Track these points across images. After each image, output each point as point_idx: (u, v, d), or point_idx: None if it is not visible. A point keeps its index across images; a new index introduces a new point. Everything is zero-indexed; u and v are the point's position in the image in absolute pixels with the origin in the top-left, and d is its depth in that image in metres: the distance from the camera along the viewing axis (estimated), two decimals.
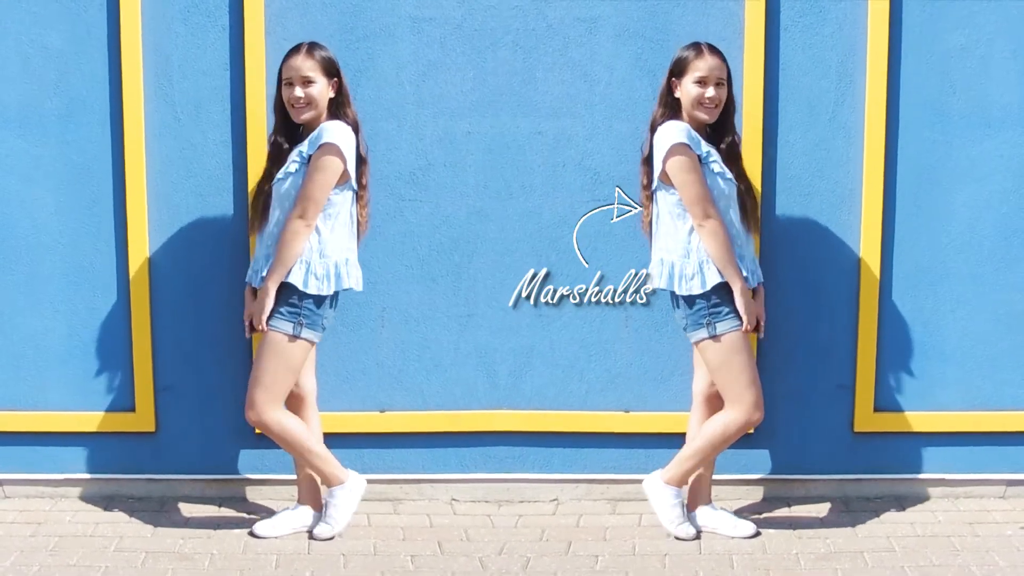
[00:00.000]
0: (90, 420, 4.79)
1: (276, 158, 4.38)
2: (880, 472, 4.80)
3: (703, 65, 4.27)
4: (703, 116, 4.32)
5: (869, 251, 4.68)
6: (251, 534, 4.48)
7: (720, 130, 4.36)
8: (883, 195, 4.65)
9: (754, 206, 4.40)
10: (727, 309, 4.26)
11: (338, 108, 4.38)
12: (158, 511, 4.71)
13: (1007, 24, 4.57)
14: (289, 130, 4.39)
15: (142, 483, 4.83)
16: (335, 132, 4.31)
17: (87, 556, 4.34)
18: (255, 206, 4.41)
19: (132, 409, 4.80)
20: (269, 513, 4.64)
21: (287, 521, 4.53)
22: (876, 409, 4.76)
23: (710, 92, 4.28)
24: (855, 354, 4.73)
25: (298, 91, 4.32)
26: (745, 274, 4.29)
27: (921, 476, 4.80)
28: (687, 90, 4.31)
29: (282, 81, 4.35)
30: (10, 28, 4.64)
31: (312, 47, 4.35)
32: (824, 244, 4.69)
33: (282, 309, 4.31)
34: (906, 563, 4.26)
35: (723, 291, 4.26)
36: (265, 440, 4.75)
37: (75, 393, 4.79)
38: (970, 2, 4.57)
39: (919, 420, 4.76)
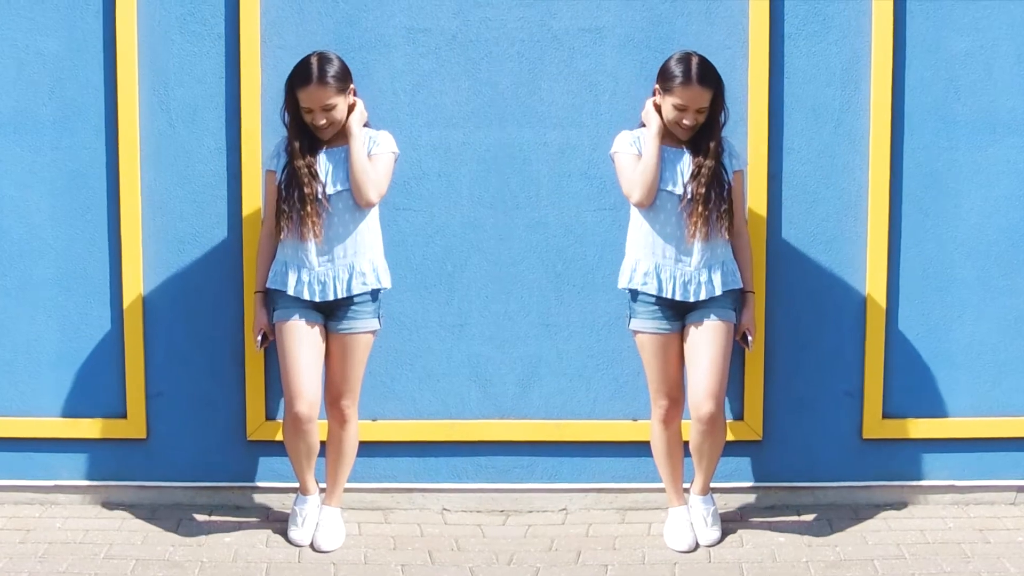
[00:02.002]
0: (81, 426, 4.73)
1: (306, 176, 4.29)
2: (889, 479, 4.78)
3: (685, 95, 4.25)
4: (678, 134, 4.34)
5: (875, 257, 4.68)
6: (313, 548, 4.43)
7: (695, 148, 4.33)
8: (889, 201, 4.66)
9: (701, 216, 4.31)
10: (638, 310, 4.40)
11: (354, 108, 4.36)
12: (149, 518, 4.65)
13: (1012, 29, 4.61)
14: (313, 147, 4.33)
15: (133, 490, 4.77)
16: (393, 142, 4.39)
17: (76, 563, 4.28)
18: (297, 223, 4.29)
19: (123, 415, 4.74)
20: (260, 520, 4.62)
21: (311, 517, 4.50)
22: (885, 416, 4.75)
23: (687, 121, 4.29)
24: (863, 360, 4.72)
25: (321, 120, 4.27)
26: (653, 282, 4.34)
27: (931, 483, 4.78)
28: (666, 108, 4.31)
29: (299, 105, 4.26)
30: (6, 34, 4.60)
31: (323, 70, 4.23)
32: (830, 251, 4.69)
33: (366, 309, 4.38)
34: (917, 571, 4.24)
35: (641, 296, 4.43)
36: (257, 447, 4.74)
37: (66, 399, 4.73)
38: (974, 7, 4.61)
39: (928, 426, 4.76)
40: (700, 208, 4.30)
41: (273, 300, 4.41)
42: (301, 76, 4.25)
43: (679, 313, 4.40)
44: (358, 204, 4.34)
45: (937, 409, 4.76)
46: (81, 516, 4.66)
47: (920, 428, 4.76)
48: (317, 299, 4.34)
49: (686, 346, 4.40)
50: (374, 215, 4.41)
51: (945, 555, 4.35)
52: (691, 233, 4.31)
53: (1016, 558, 4.33)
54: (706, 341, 4.34)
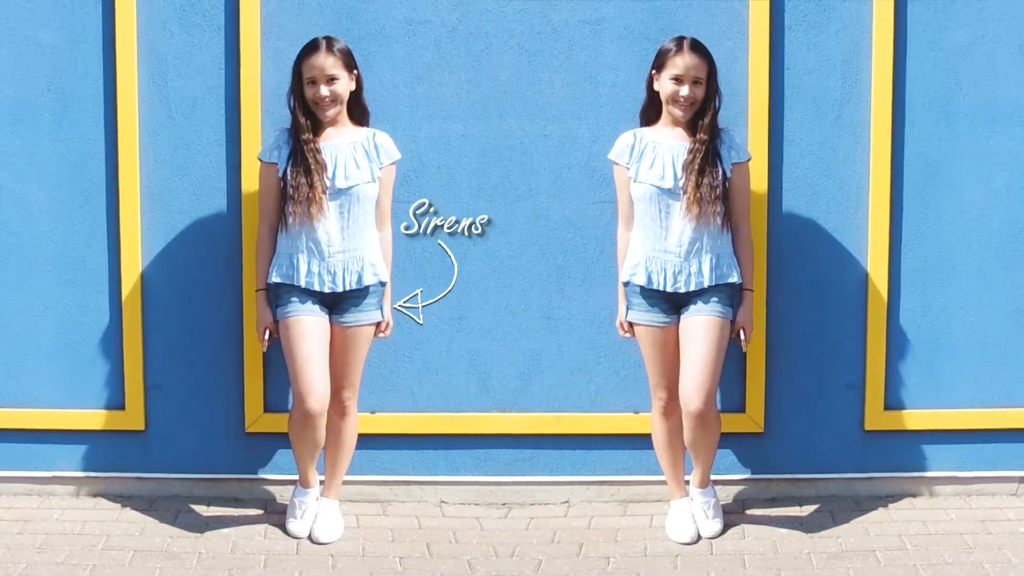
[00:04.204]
0: (80, 418, 4.72)
1: (312, 156, 4.29)
2: (891, 470, 4.78)
3: (680, 63, 4.27)
4: (676, 112, 4.33)
5: (876, 249, 4.68)
6: (311, 540, 4.43)
7: (694, 128, 4.34)
8: (890, 193, 4.66)
9: (694, 194, 4.29)
10: (633, 302, 4.40)
11: (355, 100, 4.39)
12: (146, 510, 4.65)
13: (1013, 20, 4.62)
14: (313, 127, 4.33)
15: (131, 481, 4.76)
16: (394, 146, 4.42)
17: (74, 554, 4.27)
18: (305, 204, 4.28)
19: (122, 407, 4.73)
20: (259, 512, 4.63)
21: (310, 509, 4.50)
22: (886, 407, 4.75)
23: (684, 91, 4.29)
24: (864, 352, 4.72)
25: (324, 90, 4.29)
26: (642, 273, 4.35)
27: (932, 474, 4.78)
28: (663, 85, 4.33)
29: (303, 80, 4.30)
30: (4, 24, 4.60)
31: (330, 42, 4.32)
32: (831, 242, 4.69)
33: (372, 301, 4.39)
34: (919, 561, 4.23)
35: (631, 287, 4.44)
36: (255, 439, 4.73)
37: (65, 390, 4.72)
38: None
39: (930, 418, 4.76)
40: (692, 185, 4.27)
41: (276, 295, 4.39)
42: (308, 46, 4.34)
43: (674, 306, 4.39)
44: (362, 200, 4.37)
45: (939, 400, 4.76)
46: (79, 507, 4.65)
47: (922, 420, 4.76)
48: (327, 290, 4.33)
49: (680, 340, 4.39)
50: (374, 212, 4.41)
51: (947, 546, 4.35)
52: (683, 213, 4.28)
53: (1018, 548, 4.33)
54: (697, 336, 4.33)
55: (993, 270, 4.72)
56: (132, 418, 4.71)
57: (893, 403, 4.76)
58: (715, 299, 4.35)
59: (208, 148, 4.64)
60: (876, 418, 4.74)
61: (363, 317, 4.38)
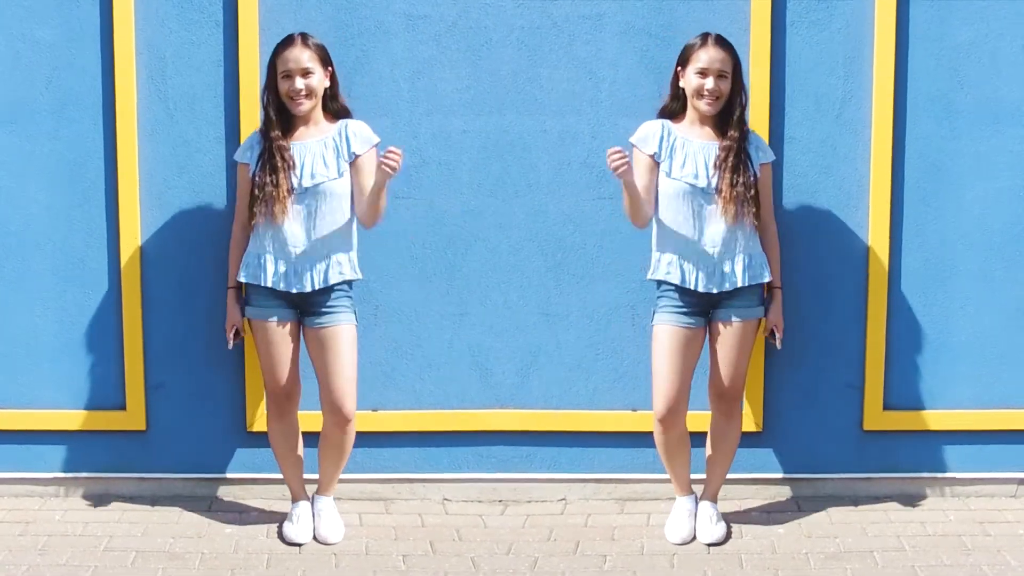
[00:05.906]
0: (80, 418, 4.73)
1: (279, 155, 4.29)
2: (890, 471, 4.77)
3: (704, 56, 4.26)
4: (703, 107, 4.30)
5: (877, 248, 4.66)
6: (316, 540, 4.44)
7: (724, 125, 4.31)
8: (891, 191, 4.63)
9: (730, 192, 4.27)
10: (662, 303, 4.36)
11: (331, 97, 4.39)
12: (149, 510, 4.66)
13: (1016, 18, 4.57)
14: (284, 125, 4.33)
15: (133, 482, 4.77)
16: (371, 131, 4.39)
17: (76, 555, 4.29)
18: (270, 204, 4.28)
19: (123, 407, 4.73)
20: (261, 512, 4.64)
21: (303, 516, 4.49)
22: (886, 407, 4.73)
23: (709, 84, 4.26)
24: (864, 352, 4.70)
25: (299, 82, 4.29)
26: (677, 272, 4.30)
27: (932, 475, 4.77)
28: (689, 80, 4.30)
29: (278, 74, 4.30)
30: (1, 22, 4.58)
31: (305, 37, 4.34)
32: (832, 241, 4.67)
33: (346, 302, 4.37)
34: (917, 563, 4.23)
35: (664, 287, 4.39)
36: (257, 439, 4.72)
37: (65, 391, 4.72)
38: None
39: (929, 418, 4.74)
40: (727, 185, 4.25)
41: (246, 294, 4.40)
42: (283, 41, 4.35)
43: (704, 308, 4.36)
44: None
45: (938, 401, 4.74)
46: (81, 508, 4.67)
47: (921, 420, 4.74)
48: (293, 291, 4.32)
49: (711, 339, 4.39)
50: (348, 208, 4.37)
51: (945, 547, 4.35)
52: (720, 213, 4.26)
53: (1016, 551, 4.32)
54: (731, 341, 4.36)
55: (994, 270, 4.68)
56: (133, 418, 4.72)
57: (892, 403, 4.74)
58: (749, 301, 4.36)
59: (207, 146, 4.63)
60: (875, 418, 4.73)
61: (336, 318, 4.35)
